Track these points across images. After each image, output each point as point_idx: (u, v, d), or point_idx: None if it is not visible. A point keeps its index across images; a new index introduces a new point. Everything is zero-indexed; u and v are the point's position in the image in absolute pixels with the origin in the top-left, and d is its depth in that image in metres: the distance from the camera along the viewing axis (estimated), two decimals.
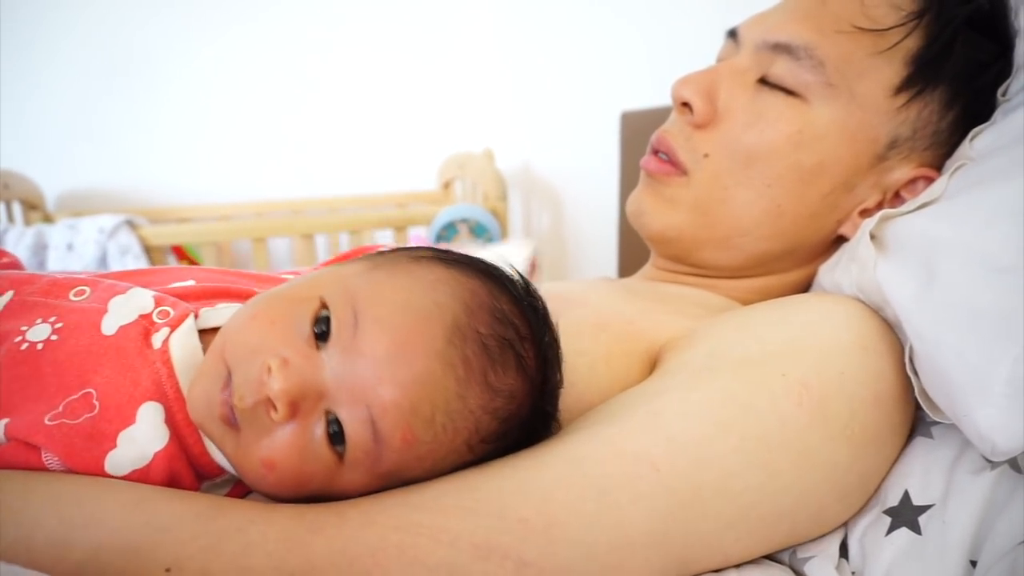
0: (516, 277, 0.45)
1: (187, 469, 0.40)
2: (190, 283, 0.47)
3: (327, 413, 0.38)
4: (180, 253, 1.87)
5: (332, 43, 2.17)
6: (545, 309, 0.45)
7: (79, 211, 1.91)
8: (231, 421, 0.38)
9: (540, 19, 2.06)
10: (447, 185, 2.24)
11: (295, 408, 0.38)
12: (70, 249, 1.66)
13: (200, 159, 2.12)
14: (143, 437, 0.39)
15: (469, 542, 0.39)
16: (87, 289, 0.44)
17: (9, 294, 0.43)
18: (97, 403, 0.39)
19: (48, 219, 1.88)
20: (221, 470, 0.42)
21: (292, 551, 0.37)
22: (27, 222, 1.84)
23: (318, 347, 0.39)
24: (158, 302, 0.43)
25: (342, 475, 0.39)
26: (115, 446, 0.39)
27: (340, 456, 0.39)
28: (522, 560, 0.39)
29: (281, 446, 0.38)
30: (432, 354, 0.38)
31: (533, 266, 1.52)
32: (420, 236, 1.98)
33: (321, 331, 0.39)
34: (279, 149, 2.18)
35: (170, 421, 0.40)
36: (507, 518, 0.39)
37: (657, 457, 0.42)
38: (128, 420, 0.39)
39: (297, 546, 0.38)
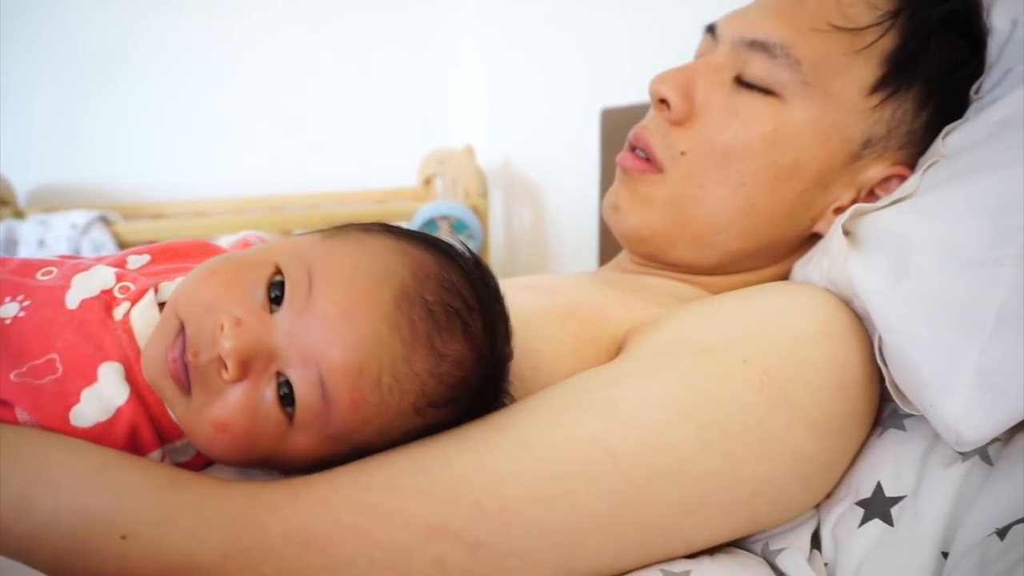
0: (467, 254, 0.46)
1: (149, 428, 0.41)
2: (146, 258, 0.48)
3: (278, 375, 0.39)
4: None
5: (311, 37, 2.15)
6: (496, 285, 0.46)
7: (51, 207, 1.87)
8: (182, 381, 0.39)
9: (520, 15, 2.06)
10: (427, 181, 2.23)
11: (246, 368, 0.38)
12: (41, 245, 1.63)
13: (176, 154, 2.09)
14: (105, 393, 0.40)
15: (423, 524, 0.39)
16: (54, 269, 0.45)
17: None
18: (60, 366, 0.40)
19: (19, 215, 1.84)
20: (182, 432, 0.42)
21: (246, 529, 0.38)
22: None
23: (271, 311, 0.40)
24: (119, 278, 0.44)
25: (292, 437, 0.40)
26: (79, 401, 0.40)
27: (290, 418, 0.40)
28: (476, 542, 0.40)
29: (232, 407, 0.39)
30: (380, 317, 0.39)
31: None
32: None
33: (275, 296, 0.40)
34: (257, 144, 2.15)
35: (131, 379, 0.41)
36: (461, 501, 0.40)
37: (613, 443, 0.42)
38: (90, 379, 0.40)
39: (251, 524, 0.38)
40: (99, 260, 0.47)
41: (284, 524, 0.38)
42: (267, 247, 0.45)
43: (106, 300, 0.43)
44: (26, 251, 1.63)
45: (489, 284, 0.45)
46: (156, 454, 0.42)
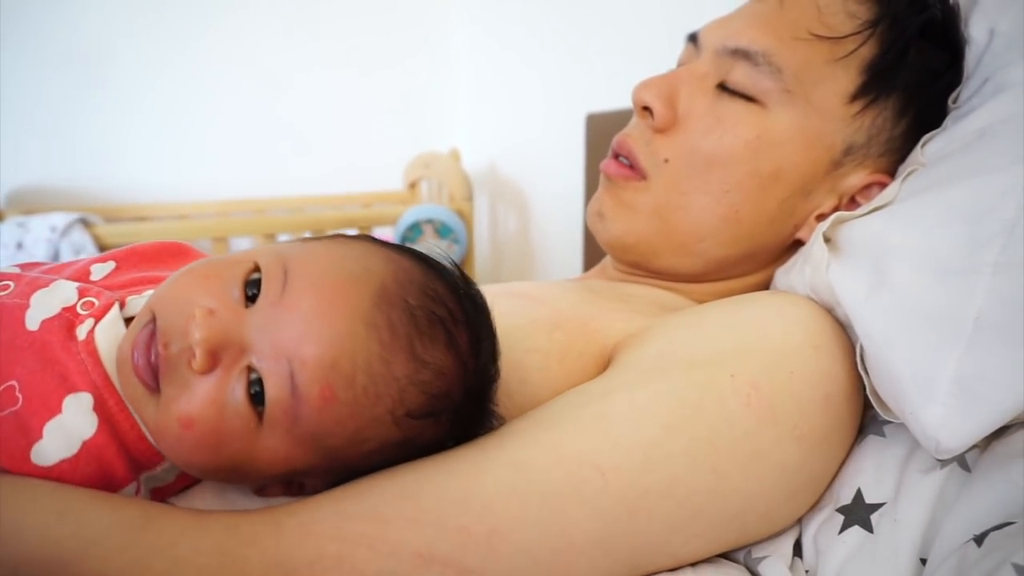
0: (455, 269, 0.45)
1: (120, 459, 0.39)
2: (110, 265, 0.46)
3: (249, 371, 0.38)
4: None
5: (297, 40, 2.14)
6: (485, 303, 0.45)
7: (30, 208, 1.85)
8: (144, 375, 0.38)
9: (506, 20, 2.06)
10: (413, 185, 2.23)
11: (215, 358, 0.37)
12: (20, 248, 1.61)
13: (159, 156, 2.07)
14: (70, 426, 0.38)
15: (410, 551, 0.38)
16: (11, 284, 0.43)
17: None
18: (20, 395, 0.38)
19: None
20: (160, 457, 0.41)
21: (225, 566, 0.37)
22: None
23: (247, 307, 0.39)
24: (82, 293, 0.42)
25: (262, 438, 0.39)
26: (41, 436, 0.38)
27: (260, 417, 0.38)
28: (464, 567, 0.39)
29: (200, 401, 0.37)
30: (356, 314, 0.39)
31: None
32: (385, 236, 1.96)
33: (252, 294, 0.39)
34: (241, 146, 2.14)
35: (100, 408, 0.39)
36: (448, 527, 0.39)
37: (602, 461, 0.42)
38: (54, 410, 0.38)
39: (231, 560, 0.37)
40: (62, 269, 0.46)
41: (265, 558, 0.37)
42: (249, 250, 0.44)
43: (68, 319, 0.41)
44: (4, 254, 1.61)
45: (476, 300, 0.44)
46: (130, 488, 0.40)
